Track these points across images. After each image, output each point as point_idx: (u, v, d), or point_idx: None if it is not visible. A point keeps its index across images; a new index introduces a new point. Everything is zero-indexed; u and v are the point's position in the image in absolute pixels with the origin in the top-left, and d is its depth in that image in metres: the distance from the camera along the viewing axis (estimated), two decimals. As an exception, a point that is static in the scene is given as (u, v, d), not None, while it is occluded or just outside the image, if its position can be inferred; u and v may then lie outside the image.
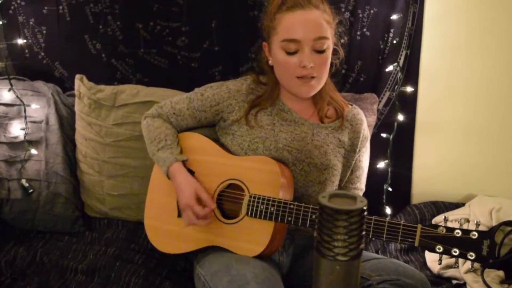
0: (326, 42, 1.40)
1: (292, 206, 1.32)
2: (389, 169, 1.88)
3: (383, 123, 1.91)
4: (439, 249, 1.19)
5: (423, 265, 1.70)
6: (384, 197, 1.90)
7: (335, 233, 0.69)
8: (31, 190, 1.78)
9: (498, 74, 1.90)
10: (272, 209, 1.33)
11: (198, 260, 1.45)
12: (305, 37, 1.38)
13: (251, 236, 1.36)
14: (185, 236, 1.46)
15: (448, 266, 1.61)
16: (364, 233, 0.69)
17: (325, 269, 0.72)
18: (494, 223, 1.68)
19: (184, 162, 1.49)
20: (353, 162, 1.53)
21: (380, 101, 1.90)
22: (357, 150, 1.53)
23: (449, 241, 1.19)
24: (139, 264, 1.60)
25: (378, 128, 1.90)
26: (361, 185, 1.58)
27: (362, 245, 0.71)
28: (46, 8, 1.92)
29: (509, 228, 1.63)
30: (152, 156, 1.53)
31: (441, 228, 1.20)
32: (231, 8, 1.88)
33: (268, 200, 1.34)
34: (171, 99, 1.60)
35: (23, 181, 1.78)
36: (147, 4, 1.89)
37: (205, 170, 1.47)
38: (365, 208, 0.70)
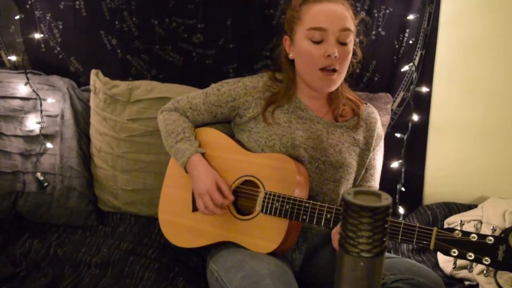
0: (350, 34, 1.42)
1: (307, 205, 1.33)
2: (403, 169, 1.88)
3: (397, 123, 1.92)
4: (454, 252, 1.19)
5: (436, 265, 1.70)
6: (397, 196, 1.90)
7: (359, 230, 0.69)
8: (46, 184, 1.79)
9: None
10: (287, 206, 1.34)
11: (211, 256, 1.46)
12: (331, 26, 1.39)
13: (265, 233, 1.37)
14: (199, 231, 1.47)
15: (461, 267, 1.61)
16: (388, 231, 0.69)
17: (348, 265, 0.72)
18: (507, 225, 1.68)
19: (203, 155, 1.50)
20: (368, 160, 1.53)
21: (394, 101, 1.90)
22: (372, 148, 1.53)
23: (465, 245, 1.18)
24: (152, 259, 1.61)
25: (392, 128, 1.90)
26: (375, 183, 1.58)
27: (386, 243, 0.72)
28: (62, 3, 1.93)
29: (522, 230, 1.64)
30: (170, 149, 1.54)
31: (457, 231, 1.19)
32: (246, 6, 1.89)
33: (284, 197, 1.34)
34: (187, 94, 1.61)
35: (38, 175, 1.79)
36: (163, 0, 1.90)
37: (221, 166, 1.48)
38: (390, 205, 0.70)
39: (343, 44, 1.41)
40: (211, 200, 1.39)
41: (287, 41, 1.51)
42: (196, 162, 1.47)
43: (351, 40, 1.44)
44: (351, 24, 1.43)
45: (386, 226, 0.70)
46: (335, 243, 1.28)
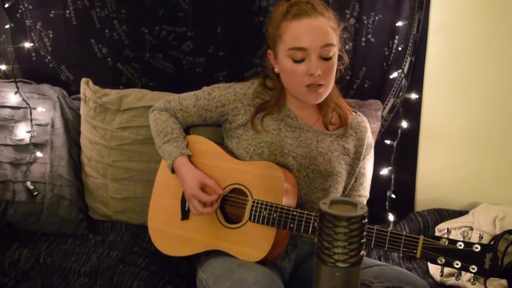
0: (332, 49, 1.40)
1: (295, 213, 1.32)
2: (393, 176, 1.87)
3: (387, 129, 1.91)
4: (441, 261, 1.18)
5: (426, 272, 1.69)
6: (387, 204, 1.89)
7: (335, 240, 0.69)
8: (35, 193, 1.78)
9: (502, 81, 1.89)
10: (274, 215, 1.34)
11: (200, 264, 1.45)
12: (311, 45, 1.38)
13: (254, 242, 1.36)
14: (189, 240, 1.47)
15: (451, 274, 1.60)
16: (364, 240, 0.69)
17: (325, 275, 0.72)
18: (498, 232, 1.67)
19: (189, 157, 1.50)
20: (358, 169, 1.53)
21: (384, 108, 1.90)
22: (362, 157, 1.53)
23: (451, 253, 1.18)
24: (142, 267, 1.60)
25: (382, 135, 1.90)
26: (365, 192, 1.57)
27: (363, 252, 0.71)
28: (53, 12, 1.94)
29: (513, 237, 1.63)
30: (158, 149, 1.56)
31: (443, 240, 1.19)
32: (236, 13, 1.89)
33: (271, 206, 1.34)
34: (179, 95, 1.63)
35: (28, 184, 1.79)
36: (153, 9, 1.90)
37: (209, 174, 1.48)
38: (365, 215, 0.70)
39: (326, 59, 1.40)
40: (198, 202, 1.40)
41: (271, 56, 1.51)
42: (180, 166, 1.48)
43: (335, 52, 1.42)
44: (332, 37, 1.41)
45: (362, 235, 0.70)
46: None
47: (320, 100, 1.47)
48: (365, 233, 0.70)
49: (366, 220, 0.70)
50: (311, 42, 1.38)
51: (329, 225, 0.69)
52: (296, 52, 1.39)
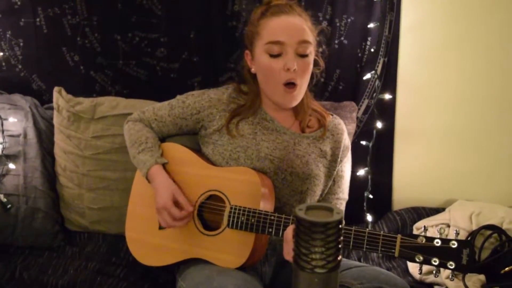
0: (309, 46, 1.41)
1: (272, 218, 1.32)
2: (369, 176, 1.89)
3: (363, 130, 1.92)
4: (419, 258, 1.19)
5: (405, 271, 1.71)
6: (364, 204, 1.91)
7: (312, 246, 0.69)
8: (9, 205, 1.75)
9: (475, 80, 1.93)
10: (252, 220, 1.33)
11: (180, 272, 1.44)
12: (289, 39, 1.39)
13: (232, 248, 1.36)
14: (167, 249, 1.45)
15: (430, 272, 1.62)
16: (341, 245, 0.69)
17: (303, 281, 0.72)
18: (474, 227, 1.69)
19: (164, 166, 1.49)
20: (335, 172, 1.53)
21: (359, 109, 1.91)
22: (339, 160, 1.53)
23: (429, 251, 1.19)
24: (121, 278, 1.59)
25: (357, 136, 1.91)
26: (344, 195, 1.58)
27: (340, 257, 0.71)
28: (23, 20, 1.90)
29: (489, 232, 1.66)
30: (133, 159, 1.54)
31: (420, 237, 1.20)
32: (209, 18, 1.89)
33: (249, 211, 1.34)
34: (153, 105, 1.61)
35: (1, 196, 1.75)
36: (125, 15, 1.88)
37: (186, 181, 1.47)
38: (341, 220, 0.70)
39: (303, 56, 1.41)
40: (169, 215, 1.39)
41: (248, 56, 1.51)
42: (154, 175, 1.46)
43: (311, 52, 1.43)
44: (309, 36, 1.42)
45: (339, 240, 0.70)
46: (286, 255, 1.26)
47: (294, 104, 1.47)
48: (342, 237, 0.70)
49: (342, 224, 0.70)
50: (288, 36, 1.39)
51: (306, 231, 0.69)
52: (273, 46, 1.40)
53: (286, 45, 1.39)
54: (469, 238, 1.64)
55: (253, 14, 1.49)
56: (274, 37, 1.40)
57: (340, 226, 0.70)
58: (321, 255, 0.70)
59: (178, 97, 1.58)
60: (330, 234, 0.69)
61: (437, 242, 1.19)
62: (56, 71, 1.94)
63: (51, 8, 1.89)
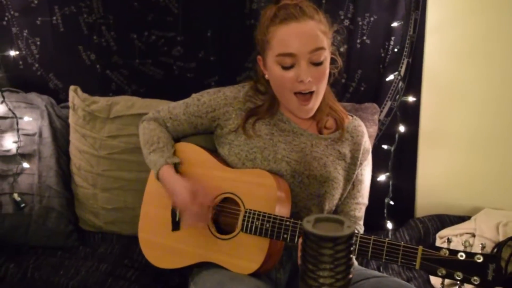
0: (323, 53, 1.35)
1: (288, 223, 1.27)
2: (390, 182, 1.83)
3: (384, 134, 1.87)
4: (441, 272, 1.13)
5: (427, 282, 1.64)
6: (385, 211, 1.85)
7: (320, 262, 0.63)
8: (23, 205, 1.74)
9: (503, 81, 1.85)
10: (267, 225, 1.29)
11: (192, 276, 1.41)
12: (300, 50, 1.33)
13: (246, 253, 1.32)
14: (180, 251, 1.43)
15: (453, 284, 1.54)
16: (351, 263, 0.63)
17: (310, 300, 0.66)
18: (501, 238, 1.62)
19: (176, 165, 1.45)
20: (354, 175, 1.48)
21: (381, 111, 1.86)
22: (358, 163, 1.48)
23: (452, 265, 1.12)
24: (132, 281, 1.57)
25: (379, 139, 1.86)
26: (363, 199, 1.52)
27: (350, 275, 0.66)
28: (39, 19, 1.89)
29: (517, 244, 1.58)
30: (145, 160, 1.51)
31: (443, 250, 1.13)
32: (226, 17, 1.86)
33: (264, 216, 1.29)
34: (169, 104, 1.59)
35: (15, 195, 1.74)
36: (142, 14, 1.86)
37: (200, 183, 1.42)
38: (352, 234, 0.64)
39: (317, 64, 1.35)
40: (192, 215, 1.34)
41: (261, 62, 1.46)
42: (165, 175, 1.42)
43: (326, 56, 1.37)
44: (323, 41, 1.35)
45: (350, 257, 0.64)
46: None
47: (310, 114, 1.43)
48: (352, 254, 0.64)
49: (353, 240, 0.65)
50: (299, 47, 1.33)
51: (313, 246, 0.64)
52: (284, 59, 1.34)
53: (299, 56, 1.33)
54: (495, 250, 1.56)
55: (261, 17, 1.43)
56: (285, 49, 1.34)
57: (350, 241, 0.64)
58: (329, 272, 0.64)
59: (194, 95, 1.56)
60: (340, 250, 0.63)
61: (461, 256, 1.12)
62: (72, 69, 1.93)
63: (68, 7, 1.88)
